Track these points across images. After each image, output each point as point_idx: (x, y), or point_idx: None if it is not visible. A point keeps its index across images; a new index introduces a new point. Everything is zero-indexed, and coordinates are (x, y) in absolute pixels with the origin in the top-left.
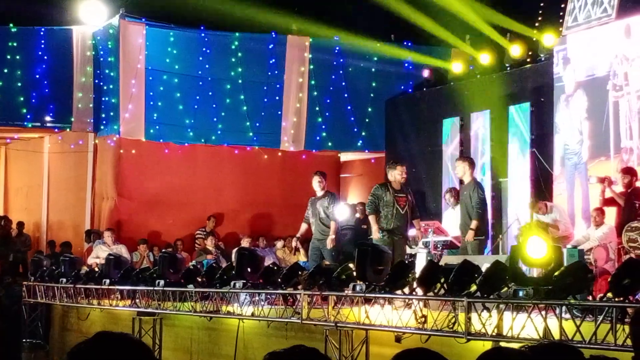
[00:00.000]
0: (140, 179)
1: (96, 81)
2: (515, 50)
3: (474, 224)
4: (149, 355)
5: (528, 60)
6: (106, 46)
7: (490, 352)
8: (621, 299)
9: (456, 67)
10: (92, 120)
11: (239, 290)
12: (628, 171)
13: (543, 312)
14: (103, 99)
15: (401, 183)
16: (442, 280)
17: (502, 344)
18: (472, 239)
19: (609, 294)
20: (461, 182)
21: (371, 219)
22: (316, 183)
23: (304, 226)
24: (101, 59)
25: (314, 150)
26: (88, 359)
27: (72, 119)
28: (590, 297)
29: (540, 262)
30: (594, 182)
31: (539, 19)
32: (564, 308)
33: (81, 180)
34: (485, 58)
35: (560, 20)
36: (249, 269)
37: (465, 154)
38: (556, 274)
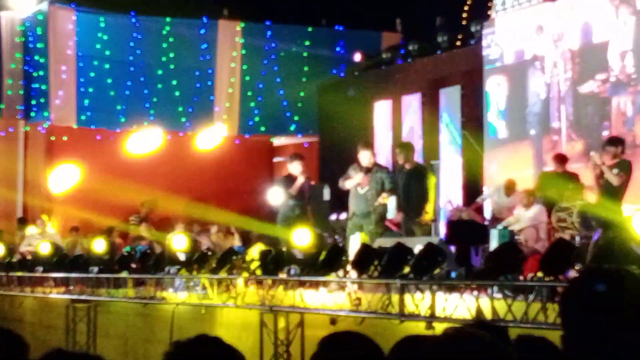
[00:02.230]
0: (73, 166)
1: (26, 68)
2: (444, 34)
3: (430, 207)
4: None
5: (458, 44)
6: (35, 32)
7: (404, 341)
8: (551, 278)
9: (387, 51)
10: (22, 107)
11: (174, 276)
12: (561, 159)
13: (475, 292)
14: (33, 85)
15: (371, 164)
16: (376, 262)
17: (435, 325)
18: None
19: (540, 274)
20: (399, 166)
21: (347, 184)
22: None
23: None
24: (30, 45)
25: (246, 135)
26: None
27: (2, 106)
28: (521, 277)
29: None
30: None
31: (468, 2)
32: (495, 288)
33: (12, 167)
34: (416, 42)
35: (489, 4)
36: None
37: (397, 138)
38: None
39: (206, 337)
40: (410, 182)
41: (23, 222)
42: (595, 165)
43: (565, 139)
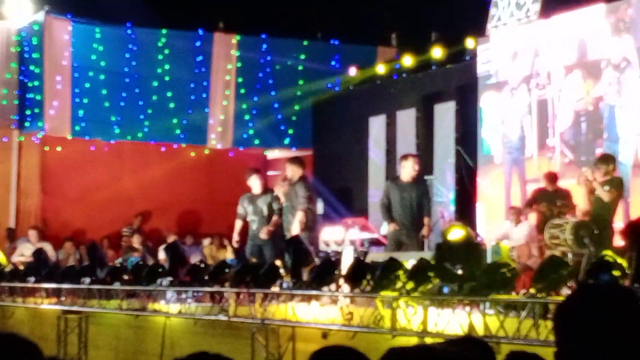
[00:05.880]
0: (66, 176)
1: (21, 77)
2: (440, 50)
3: (429, 220)
4: (37, 354)
5: (452, 59)
6: (31, 42)
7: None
8: (544, 294)
9: (382, 65)
10: (16, 117)
11: (166, 288)
12: (552, 177)
13: (467, 308)
14: (28, 95)
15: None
16: (369, 276)
17: (428, 340)
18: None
19: (532, 290)
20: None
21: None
22: (255, 181)
23: (239, 223)
24: (26, 55)
25: (240, 148)
26: None
27: None
28: (513, 293)
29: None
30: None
31: (464, 18)
32: (487, 304)
33: (5, 177)
34: (411, 57)
35: (485, 20)
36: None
37: (391, 152)
38: (479, 270)
39: (206, 354)
40: (411, 195)
41: (12, 232)
42: (587, 181)
43: (559, 156)
